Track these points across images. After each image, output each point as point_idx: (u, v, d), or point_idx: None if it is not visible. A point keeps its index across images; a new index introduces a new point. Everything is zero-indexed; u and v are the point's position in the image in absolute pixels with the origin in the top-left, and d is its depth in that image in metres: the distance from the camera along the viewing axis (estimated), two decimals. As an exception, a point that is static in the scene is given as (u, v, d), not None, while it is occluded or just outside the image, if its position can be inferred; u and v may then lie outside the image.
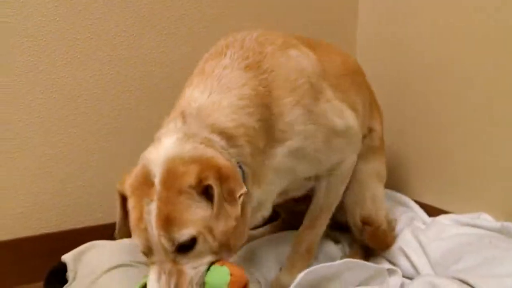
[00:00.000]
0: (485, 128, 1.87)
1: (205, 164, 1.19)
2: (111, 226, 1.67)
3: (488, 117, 1.86)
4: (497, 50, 1.81)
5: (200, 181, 1.18)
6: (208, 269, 1.21)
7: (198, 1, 2.04)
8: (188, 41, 2.04)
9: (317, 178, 1.59)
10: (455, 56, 1.95)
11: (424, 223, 1.95)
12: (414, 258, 1.74)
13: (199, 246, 1.19)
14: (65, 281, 1.64)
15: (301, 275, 1.37)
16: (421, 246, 1.76)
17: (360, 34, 2.42)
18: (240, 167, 1.30)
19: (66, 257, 1.66)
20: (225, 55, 1.42)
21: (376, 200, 1.79)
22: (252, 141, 1.33)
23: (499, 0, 1.78)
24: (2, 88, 1.77)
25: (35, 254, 1.84)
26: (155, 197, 1.17)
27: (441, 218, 1.89)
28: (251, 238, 1.85)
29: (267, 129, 1.38)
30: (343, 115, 1.56)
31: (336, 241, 1.92)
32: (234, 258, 1.34)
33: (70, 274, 1.64)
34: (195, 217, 1.18)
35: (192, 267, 1.19)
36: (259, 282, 1.65)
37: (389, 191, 2.04)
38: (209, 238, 1.19)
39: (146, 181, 1.20)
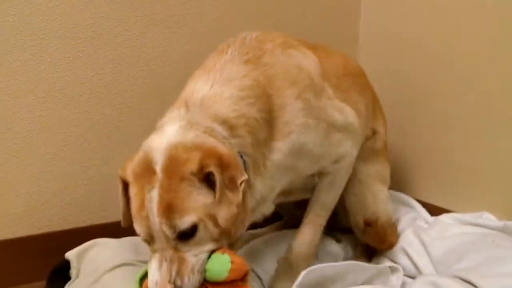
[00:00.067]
0: (488, 127, 1.86)
1: (207, 152, 1.20)
2: (114, 225, 1.68)
3: (491, 116, 1.85)
4: (499, 50, 1.80)
5: (201, 168, 1.18)
6: (209, 256, 1.22)
7: (200, 0, 2.04)
8: (190, 40, 2.04)
9: (317, 175, 1.59)
10: (457, 56, 1.95)
11: (426, 222, 1.95)
12: (416, 257, 1.74)
13: (200, 233, 1.19)
14: (68, 278, 1.65)
15: (303, 273, 1.37)
16: (423, 245, 1.76)
17: (362, 33, 2.42)
18: (241, 157, 1.32)
19: (70, 254, 1.67)
20: (226, 52, 1.45)
21: (378, 202, 1.78)
22: (253, 131, 1.35)
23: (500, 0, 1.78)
24: (4, 87, 1.77)
25: (37, 253, 1.84)
26: (156, 184, 1.18)
27: (444, 217, 1.89)
28: (252, 237, 1.86)
29: (270, 120, 1.39)
30: (343, 111, 1.57)
31: (338, 240, 1.92)
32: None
33: (73, 272, 1.64)
34: (197, 204, 1.19)
35: (193, 255, 1.20)
36: (260, 278, 1.66)
37: (391, 191, 2.04)
38: (210, 225, 1.20)
39: (147, 168, 1.21)
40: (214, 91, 1.35)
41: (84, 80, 1.88)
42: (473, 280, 1.42)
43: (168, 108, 1.40)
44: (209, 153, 1.20)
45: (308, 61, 1.53)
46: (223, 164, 1.20)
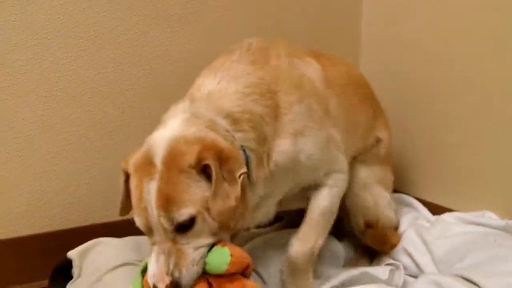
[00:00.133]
0: (489, 127, 1.86)
1: (206, 145, 1.22)
2: (116, 224, 1.68)
3: (492, 115, 1.85)
4: (499, 50, 1.80)
5: (199, 160, 1.20)
6: (209, 250, 1.23)
7: (202, 0, 2.04)
8: (191, 39, 2.04)
9: (315, 186, 1.58)
10: (457, 56, 1.95)
11: (428, 221, 1.95)
12: (417, 256, 1.74)
13: (198, 225, 1.20)
14: (70, 277, 1.65)
15: None
16: (425, 244, 1.76)
17: (364, 33, 2.42)
18: (244, 151, 1.33)
19: (72, 254, 1.67)
20: (234, 54, 1.50)
21: (379, 204, 1.79)
22: (257, 127, 1.37)
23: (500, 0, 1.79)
24: (6, 86, 1.77)
25: (39, 252, 1.84)
26: (155, 176, 1.20)
27: (446, 216, 1.89)
28: (252, 237, 1.86)
29: (275, 116, 1.41)
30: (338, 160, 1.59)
31: (340, 240, 1.93)
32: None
33: (75, 271, 1.65)
34: (195, 196, 1.20)
35: (192, 247, 1.21)
36: (261, 277, 1.66)
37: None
38: (208, 218, 1.21)
39: (148, 160, 1.23)
40: (220, 86, 1.39)
41: (86, 79, 1.89)
42: (475, 279, 1.42)
43: (173, 104, 1.42)
44: (208, 147, 1.21)
45: (312, 70, 1.57)
46: (222, 158, 1.21)
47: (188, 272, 1.19)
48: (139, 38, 1.95)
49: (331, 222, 1.59)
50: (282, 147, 1.42)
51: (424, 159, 2.14)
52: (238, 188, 1.21)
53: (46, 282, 1.66)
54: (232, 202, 1.20)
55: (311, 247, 1.53)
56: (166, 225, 1.18)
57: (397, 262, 1.62)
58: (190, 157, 1.20)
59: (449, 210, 1.95)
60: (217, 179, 1.19)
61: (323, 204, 1.56)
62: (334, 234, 1.94)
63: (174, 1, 1.99)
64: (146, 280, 1.21)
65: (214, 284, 1.22)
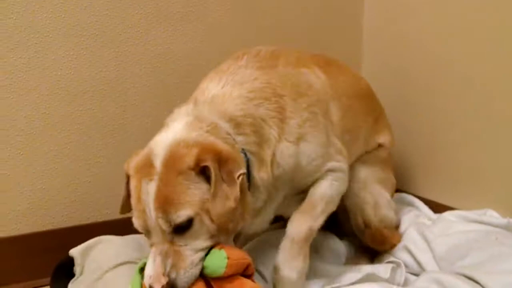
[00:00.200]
0: (491, 125, 1.86)
1: (205, 147, 1.22)
2: (117, 222, 1.68)
3: (493, 113, 1.85)
4: (500, 49, 1.80)
5: (198, 162, 1.20)
6: (208, 253, 1.23)
7: (204, -2, 2.05)
8: (193, 37, 2.04)
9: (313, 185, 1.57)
10: (459, 55, 1.95)
11: (430, 219, 1.95)
12: (418, 254, 1.74)
13: (196, 227, 1.20)
14: (72, 275, 1.65)
15: None
16: (426, 241, 1.76)
17: (366, 33, 2.42)
18: (245, 154, 1.34)
19: (74, 251, 1.67)
20: (242, 59, 1.51)
21: (379, 204, 1.79)
22: (259, 131, 1.38)
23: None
24: (7, 85, 1.77)
25: (41, 250, 1.84)
26: (154, 177, 1.20)
27: (447, 214, 1.89)
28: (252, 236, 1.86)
29: (282, 119, 1.42)
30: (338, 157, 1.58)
31: (341, 238, 1.93)
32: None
33: (77, 269, 1.65)
34: (193, 198, 1.20)
35: (190, 249, 1.21)
36: (267, 282, 1.65)
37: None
38: (206, 220, 1.21)
39: (148, 162, 1.23)
40: (225, 90, 1.40)
41: (87, 78, 1.89)
42: (477, 277, 1.42)
43: (175, 106, 1.42)
44: (207, 149, 1.22)
45: (318, 80, 1.58)
46: (221, 160, 1.22)
47: (185, 274, 1.19)
48: (141, 36, 1.95)
49: (330, 208, 1.55)
50: (287, 151, 1.42)
51: (425, 157, 2.14)
52: (237, 189, 1.21)
53: (48, 280, 1.66)
54: (231, 203, 1.20)
55: (309, 226, 1.48)
56: (164, 226, 1.19)
57: (398, 260, 1.62)
58: (189, 159, 1.20)
59: (451, 209, 1.95)
60: (216, 181, 1.20)
61: (323, 190, 1.53)
62: (335, 232, 1.94)
63: (176, 0, 1.99)
64: None
65: (215, 286, 1.22)
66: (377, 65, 2.35)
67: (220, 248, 1.22)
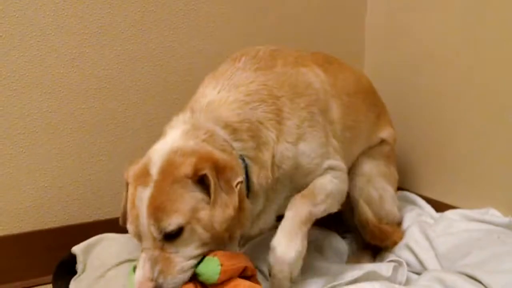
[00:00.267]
0: (493, 124, 1.86)
1: (202, 156, 1.23)
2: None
3: (496, 112, 1.85)
4: (501, 49, 1.80)
5: (196, 171, 1.21)
6: (201, 260, 1.23)
7: (206, -4, 2.04)
8: (195, 36, 2.04)
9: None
10: (462, 54, 1.95)
11: (432, 218, 1.95)
12: (420, 253, 1.73)
13: (186, 235, 1.20)
14: (74, 272, 1.65)
15: None
16: (428, 240, 1.76)
17: (368, 32, 2.42)
18: (243, 160, 1.33)
19: (76, 249, 1.68)
20: (239, 61, 1.49)
21: (383, 199, 1.79)
22: (257, 135, 1.37)
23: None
24: (10, 83, 1.78)
25: (43, 248, 1.85)
26: (149, 185, 1.21)
27: (449, 213, 1.89)
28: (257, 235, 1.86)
29: (279, 121, 1.41)
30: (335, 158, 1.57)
31: (344, 237, 1.92)
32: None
33: (79, 266, 1.65)
34: (186, 206, 1.20)
35: (181, 256, 1.21)
36: (262, 275, 1.66)
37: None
38: (199, 229, 1.21)
39: (146, 170, 1.24)
40: (220, 95, 1.39)
41: (90, 76, 1.89)
42: (479, 276, 1.42)
43: (175, 109, 1.43)
44: (204, 158, 1.23)
45: (317, 79, 1.57)
46: (219, 168, 1.22)
47: (173, 280, 1.19)
48: (143, 34, 1.95)
49: (330, 203, 1.51)
50: (286, 152, 1.42)
51: (427, 156, 2.14)
52: (236, 197, 1.21)
53: (50, 278, 1.67)
54: (230, 212, 1.21)
55: (309, 210, 1.43)
56: (155, 233, 1.19)
57: (400, 259, 1.62)
58: (186, 168, 1.21)
59: (453, 207, 1.95)
60: (215, 189, 1.20)
61: (323, 185, 1.50)
62: (337, 231, 1.94)
63: (178, -2, 2.00)
64: None
65: None
66: (379, 64, 2.34)
67: (214, 255, 1.22)
